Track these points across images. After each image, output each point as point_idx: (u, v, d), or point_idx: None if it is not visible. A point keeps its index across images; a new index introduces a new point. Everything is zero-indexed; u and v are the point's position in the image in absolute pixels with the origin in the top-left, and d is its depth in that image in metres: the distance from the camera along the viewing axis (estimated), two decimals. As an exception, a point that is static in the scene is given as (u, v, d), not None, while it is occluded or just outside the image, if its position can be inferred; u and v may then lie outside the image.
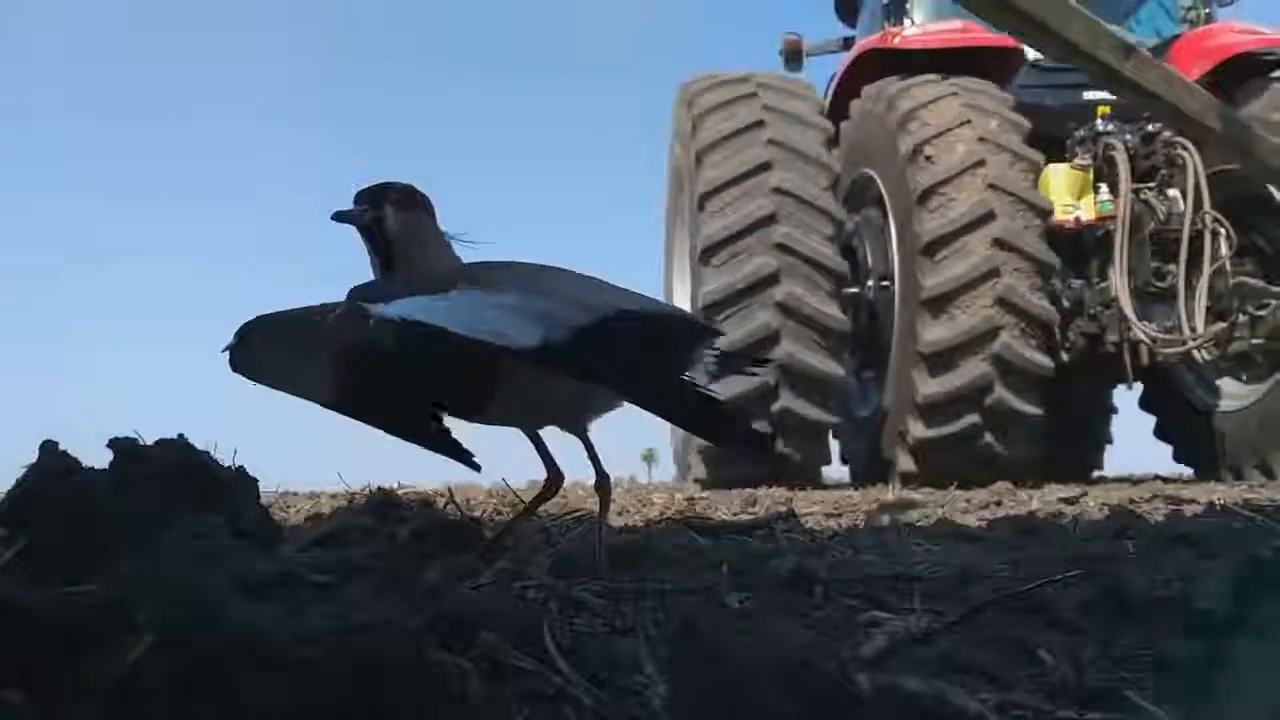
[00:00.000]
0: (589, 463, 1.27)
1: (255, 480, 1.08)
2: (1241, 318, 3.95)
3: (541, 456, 1.31)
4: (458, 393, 1.19)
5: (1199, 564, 1.17)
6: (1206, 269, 4.16)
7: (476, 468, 1.29)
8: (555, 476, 1.32)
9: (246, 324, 1.17)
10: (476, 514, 1.92)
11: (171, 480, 0.90)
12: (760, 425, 4.54)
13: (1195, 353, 4.25)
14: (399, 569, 1.03)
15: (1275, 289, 3.85)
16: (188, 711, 0.51)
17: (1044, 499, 2.89)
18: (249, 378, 1.17)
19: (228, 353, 1.15)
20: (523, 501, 2.07)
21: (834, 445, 5.57)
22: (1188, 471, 5.27)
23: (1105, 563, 1.15)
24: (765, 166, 4.70)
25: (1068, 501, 2.73)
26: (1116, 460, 5.80)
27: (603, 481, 1.27)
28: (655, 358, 1.16)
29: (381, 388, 1.18)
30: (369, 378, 1.16)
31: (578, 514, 2.18)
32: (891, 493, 3.56)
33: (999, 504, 2.66)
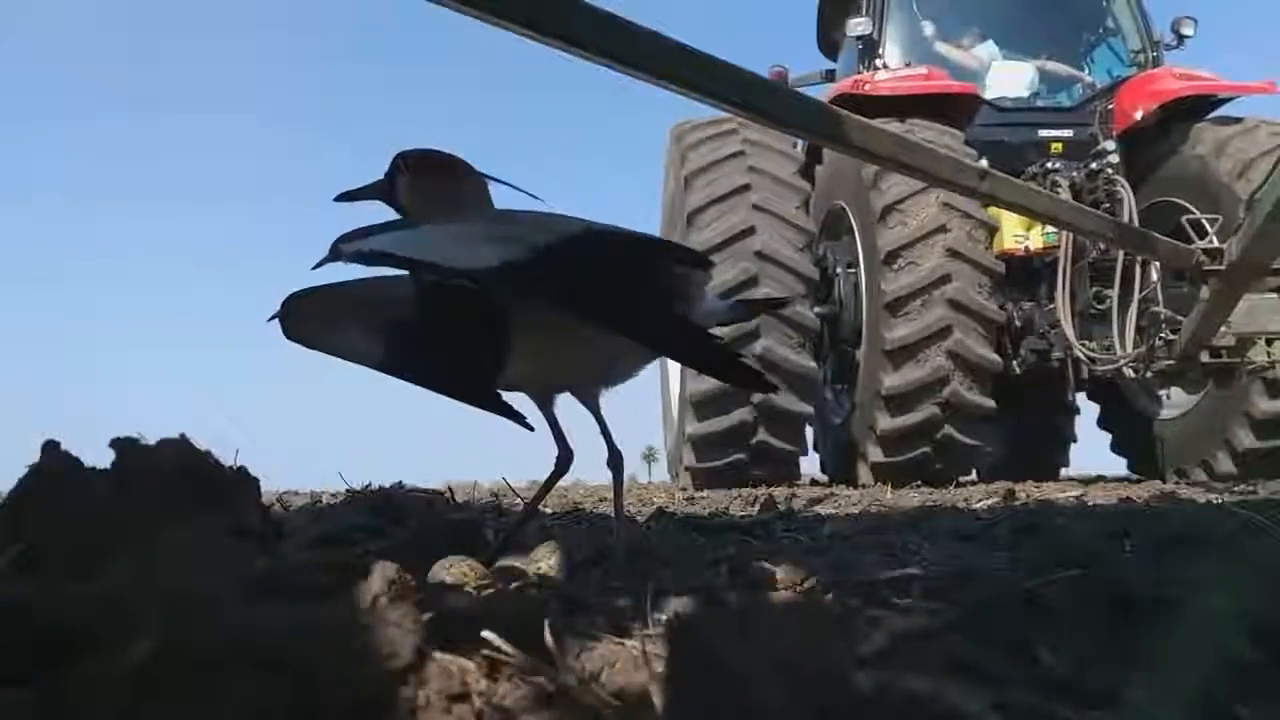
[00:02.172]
0: (600, 438, 1.26)
1: (256, 480, 1.08)
2: (1159, 341, 4.36)
3: (553, 432, 1.31)
4: (478, 352, 1.19)
5: (1199, 564, 1.17)
6: (1136, 295, 4.64)
7: (529, 428, 1.30)
8: (565, 454, 1.31)
9: (291, 294, 1.23)
10: (477, 513, 1.92)
11: (173, 480, 0.90)
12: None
13: (1127, 368, 4.70)
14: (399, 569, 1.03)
15: (1182, 318, 4.13)
16: (188, 712, 0.51)
17: (1044, 498, 2.90)
18: (298, 343, 1.23)
19: (277, 320, 1.21)
20: (523, 500, 2.07)
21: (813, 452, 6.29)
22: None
23: (1105, 562, 1.15)
24: (749, 231, 5.26)
25: (1068, 501, 2.73)
26: (1116, 461, 6.10)
27: (615, 458, 1.26)
28: (630, 281, 1.13)
29: (416, 350, 1.21)
30: (401, 341, 1.20)
31: (578, 512, 2.18)
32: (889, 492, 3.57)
33: (999, 504, 2.67)
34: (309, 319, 1.23)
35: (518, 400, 1.44)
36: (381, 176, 1.27)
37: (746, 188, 5.39)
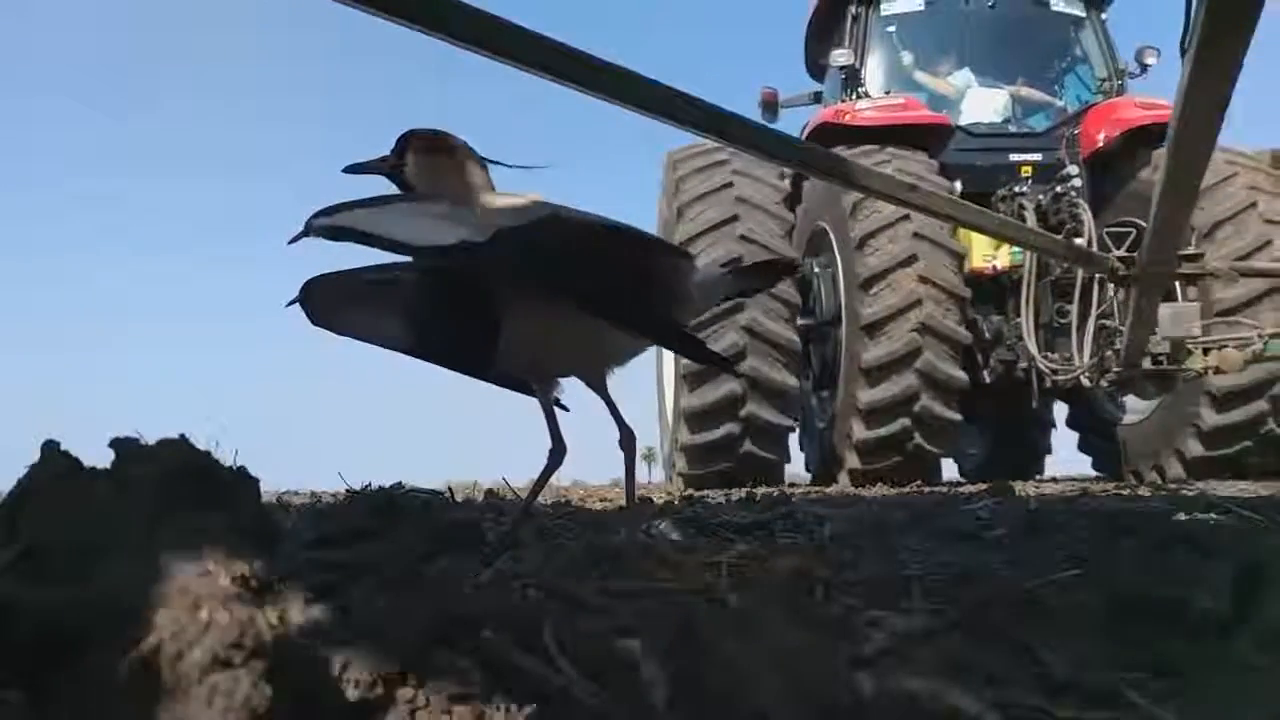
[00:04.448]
0: (611, 419, 1.30)
1: (256, 480, 1.08)
2: (1110, 352, 4.70)
3: (549, 425, 1.33)
4: (473, 332, 1.23)
5: (1199, 564, 1.17)
6: (1094, 310, 5.02)
7: (564, 409, 1.37)
8: (559, 449, 1.33)
9: (310, 279, 1.29)
10: (477, 513, 1.92)
11: (172, 480, 0.90)
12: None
13: (1083, 378, 5.08)
14: (400, 569, 1.04)
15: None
16: (188, 712, 0.51)
17: (1044, 499, 2.89)
18: (320, 326, 1.30)
19: (297, 304, 1.27)
20: (520, 498, 2.07)
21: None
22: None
23: (1105, 563, 1.15)
24: (737, 261, 5.63)
25: (1067, 501, 2.73)
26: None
27: (627, 437, 1.29)
28: (601, 263, 1.19)
29: (426, 331, 1.27)
30: (414, 322, 1.26)
31: (578, 513, 2.18)
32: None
33: (999, 504, 2.66)
34: (330, 303, 1.29)
35: (523, 401, 1.45)
36: (389, 153, 1.30)
37: (730, 184, 5.86)
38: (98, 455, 0.90)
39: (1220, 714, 0.64)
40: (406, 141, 1.29)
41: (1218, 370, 4.12)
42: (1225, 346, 4.16)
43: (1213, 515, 1.87)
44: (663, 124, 1.95)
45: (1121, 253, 3.31)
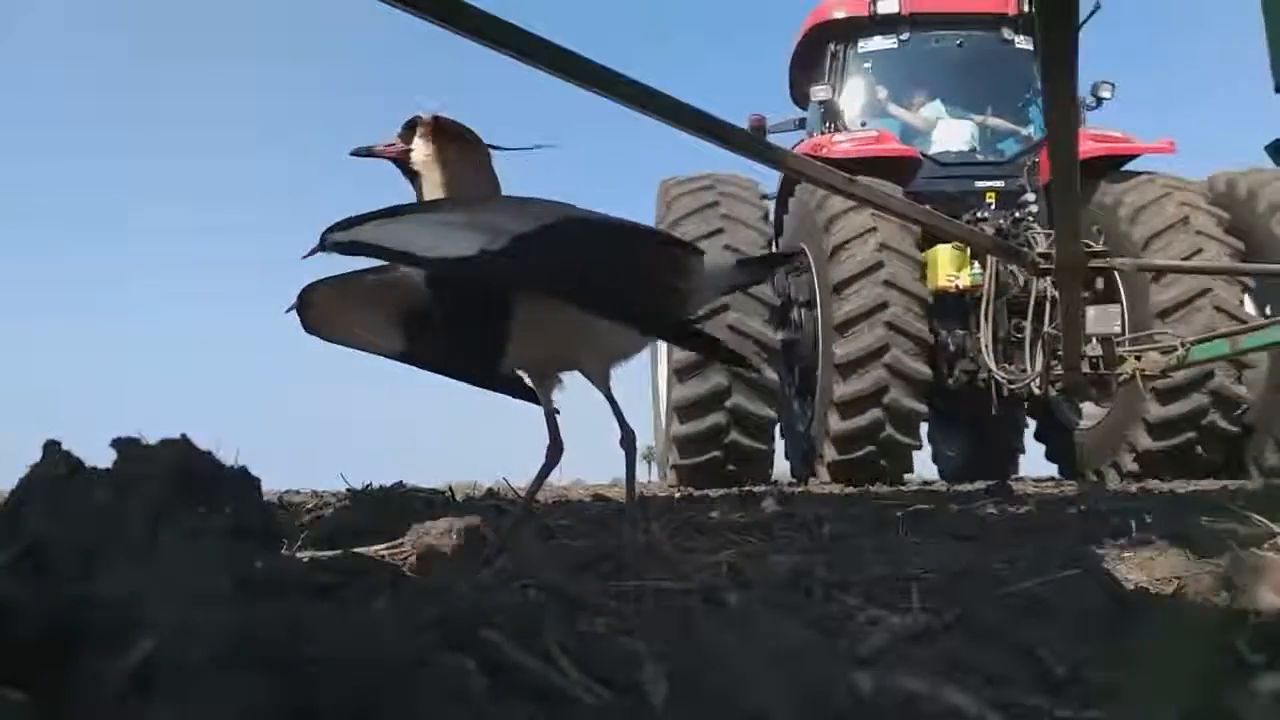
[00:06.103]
0: (612, 418, 1.31)
1: (257, 480, 1.08)
2: (1053, 362, 5.08)
3: (548, 423, 1.33)
4: (479, 332, 1.24)
5: (1198, 564, 1.17)
6: (1046, 324, 5.45)
7: (537, 403, 1.39)
8: (556, 446, 1.34)
9: (307, 286, 1.29)
10: (477, 513, 1.92)
11: (173, 480, 0.90)
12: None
13: (1034, 386, 5.49)
14: (400, 568, 1.04)
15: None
16: (188, 712, 0.51)
17: (1043, 498, 2.90)
18: (315, 335, 1.30)
19: (294, 312, 1.28)
20: (520, 498, 2.07)
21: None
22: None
23: (1104, 562, 1.15)
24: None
25: (1066, 501, 2.73)
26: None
27: (628, 437, 1.30)
28: (611, 266, 1.21)
29: (428, 337, 1.28)
30: (414, 329, 1.27)
31: (578, 512, 2.18)
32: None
33: (998, 504, 2.67)
34: (324, 311, 1.30)
35: (522, 402, 1.44)
36: (395, 136, 1.31)
37: (716, 204, 6.30)
38: (98, 455, 0.90)
39: (1219, 715, 0.64)
40: (412, 127, 1.30)
41: (1144, 374, 4.43)
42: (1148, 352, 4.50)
43: (1211, 515, 1.87)
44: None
45: (1043, 249, 3.73)
